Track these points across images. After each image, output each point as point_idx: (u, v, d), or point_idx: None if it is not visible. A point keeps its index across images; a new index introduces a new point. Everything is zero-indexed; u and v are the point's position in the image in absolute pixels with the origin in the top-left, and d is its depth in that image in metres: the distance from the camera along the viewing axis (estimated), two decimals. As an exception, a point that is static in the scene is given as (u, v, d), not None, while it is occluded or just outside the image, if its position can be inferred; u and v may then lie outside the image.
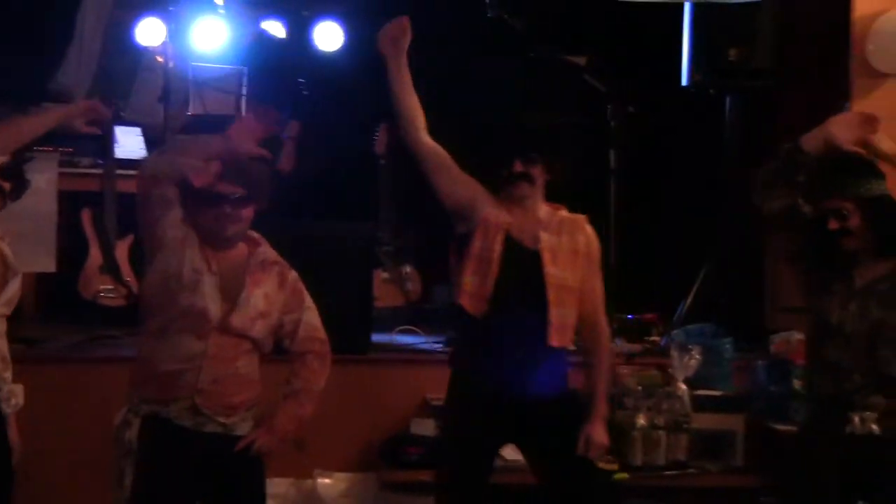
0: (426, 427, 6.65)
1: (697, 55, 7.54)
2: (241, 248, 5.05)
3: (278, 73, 8.57)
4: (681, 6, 7.39)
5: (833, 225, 4.90)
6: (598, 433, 5.29)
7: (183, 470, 4.94)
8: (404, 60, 5.48)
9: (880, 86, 7.29)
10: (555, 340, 5.13)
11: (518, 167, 5.14)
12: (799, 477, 5.28)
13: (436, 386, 6.55)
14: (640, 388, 6.50)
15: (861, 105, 7.25)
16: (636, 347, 7.10)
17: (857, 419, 4.95)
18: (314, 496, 6.52)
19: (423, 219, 8.34)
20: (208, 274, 4.90)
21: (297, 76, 8.49)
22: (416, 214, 8.48)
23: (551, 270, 5.16)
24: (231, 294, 4.95)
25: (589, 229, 5.32)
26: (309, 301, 5.25)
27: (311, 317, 5.26)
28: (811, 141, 4.90)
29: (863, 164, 5.03)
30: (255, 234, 5.11)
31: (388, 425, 6.72)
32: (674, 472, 6.35)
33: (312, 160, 8.71)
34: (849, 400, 4.96)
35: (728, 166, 7.71)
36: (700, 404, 6.41)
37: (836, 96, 7.56)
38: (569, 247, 5.24)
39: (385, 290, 7.87)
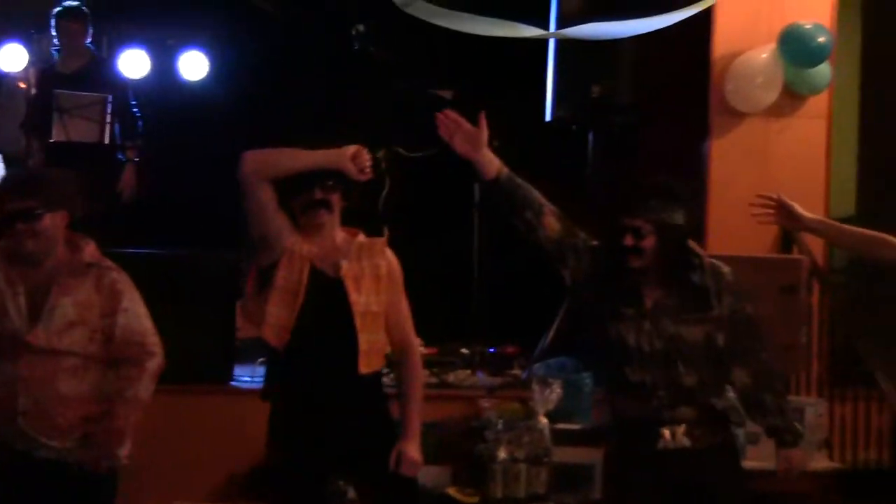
0: (289, 458, 6.61)
1: (561, 91, 7.71)
2: (60, 257, 4.97)
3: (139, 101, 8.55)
4: (546, 44, 7.55)
5: (629, 241, 5.03)
6: (411, 450, 5.32)
7: (20, 496, 4.91)
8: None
9: (738, 124, 7.67)
10: (364, 367, 5.18)
11: (317, 194, 5.19)
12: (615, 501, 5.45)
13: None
14: (501, 421, 6.52)
15: (720, 142, 7.62)
16: (497, 381, 7.10)
17: (667, 433, 5.08)
18: (174, 527, 6.52)
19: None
20: (12, 295, 4.86)
21: (160, 105, 8.50)
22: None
23: (356, 298, 5.22)
24: (40, 310, 4.90)
25: (389, 253, 5.39)
26: (129, 303, 5.12)
27: (129, 319, 5.10)
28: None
29: (669, 193, 5.15)
30: (81, 240, 5.05)
31: (250, 456, 6.52)
32: (534, 505, 6.47)
33: (177, 188, 8.71)
34: (657, 417, 5.10)
35: (591, 201, 7.86)
36: (560, 437, 6.49)
37: (696, 133, 7.85)
38: (371, 272, 5.30)
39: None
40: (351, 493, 5.99)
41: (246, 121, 8.60)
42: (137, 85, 8.73)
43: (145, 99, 8.64)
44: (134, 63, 8.56)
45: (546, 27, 7.56)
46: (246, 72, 8.99)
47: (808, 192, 7.49)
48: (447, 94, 8.08)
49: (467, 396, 6.98)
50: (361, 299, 5.23)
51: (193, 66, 8.92)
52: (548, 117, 7.59)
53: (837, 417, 7.15)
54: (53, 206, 4.91)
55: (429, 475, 5.78)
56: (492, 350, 7.71)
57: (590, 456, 6.65)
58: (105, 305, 4.98)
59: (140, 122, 8.49)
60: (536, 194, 5.18)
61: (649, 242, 5.03)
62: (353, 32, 7.52)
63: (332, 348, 5.22)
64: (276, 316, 5.20)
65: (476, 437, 6.61)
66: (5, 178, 5.53)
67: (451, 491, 6.23)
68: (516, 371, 7.28)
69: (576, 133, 8.09)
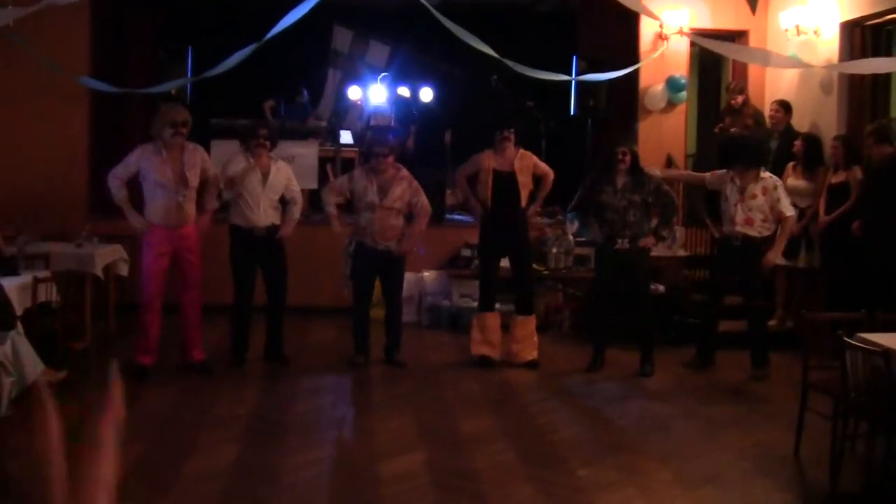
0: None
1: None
2: (391, 172, 8.22)
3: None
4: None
5: (620, 158, 8.41)
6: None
7: (370, 266, 8.62)
8: None
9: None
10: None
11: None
12: (596, 271, 9.11)
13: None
14: (553, 237, 10.64)
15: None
16: (551, 220, 11.20)
17: (620, 241, 8.76)
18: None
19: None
20: (370, 185, 8.19)
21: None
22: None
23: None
24: (385, 192, 8.17)
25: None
26: (423, 193, 8.03)
27: (422, 199, 8.01)
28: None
29: (628, 131, 9.24)
30: (399, 165, 8.16)
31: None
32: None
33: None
34: (617, 234, 8.64)
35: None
36: (577, 244, 10.51)
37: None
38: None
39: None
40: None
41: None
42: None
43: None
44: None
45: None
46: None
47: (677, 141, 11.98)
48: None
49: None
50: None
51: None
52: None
53: (688, 235, 10.91)
54: (394, 151, 8.19)
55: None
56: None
57: (587, 251, 10.54)
58: (411, 193, 8.43)
59: None
60: None
61: (628, 159, 8.49)
62: None
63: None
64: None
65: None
66: (373, 134, 9.53)
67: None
68: (560, 217, 11.10)
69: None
